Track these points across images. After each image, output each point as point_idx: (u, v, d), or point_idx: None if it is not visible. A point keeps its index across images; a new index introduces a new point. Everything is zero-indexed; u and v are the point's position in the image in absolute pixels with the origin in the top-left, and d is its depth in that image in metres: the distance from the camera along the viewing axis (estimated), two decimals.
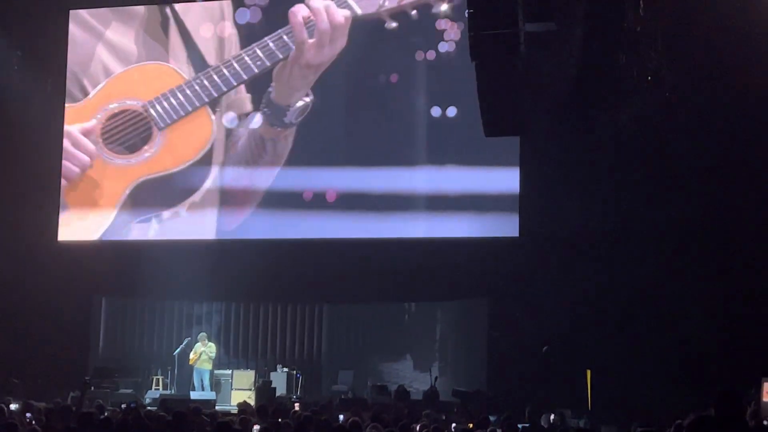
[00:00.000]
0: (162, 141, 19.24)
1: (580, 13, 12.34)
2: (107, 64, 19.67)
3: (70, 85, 19.68)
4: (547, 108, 15.15)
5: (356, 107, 18.68)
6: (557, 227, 16.58)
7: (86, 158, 19.39)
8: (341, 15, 18.26)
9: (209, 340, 18.75)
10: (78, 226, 19.49)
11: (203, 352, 18.45)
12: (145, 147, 19.25)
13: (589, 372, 15.36)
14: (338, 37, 18.33)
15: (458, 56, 17.14)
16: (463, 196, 17.69)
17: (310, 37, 18.36)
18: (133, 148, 19.32)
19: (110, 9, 19.81)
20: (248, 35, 19.05)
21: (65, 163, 19.42)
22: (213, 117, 19.16)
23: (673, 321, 15.17)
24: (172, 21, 19.55)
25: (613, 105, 13.98)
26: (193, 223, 19.06)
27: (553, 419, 13.36)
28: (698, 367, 14.52)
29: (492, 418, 12.10)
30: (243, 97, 19.04)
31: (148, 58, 19.58)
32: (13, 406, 12.26)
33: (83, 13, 19.75)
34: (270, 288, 19.20)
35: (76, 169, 19.42)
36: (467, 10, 11.37)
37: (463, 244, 17.93)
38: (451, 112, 17.93)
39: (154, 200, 19.25)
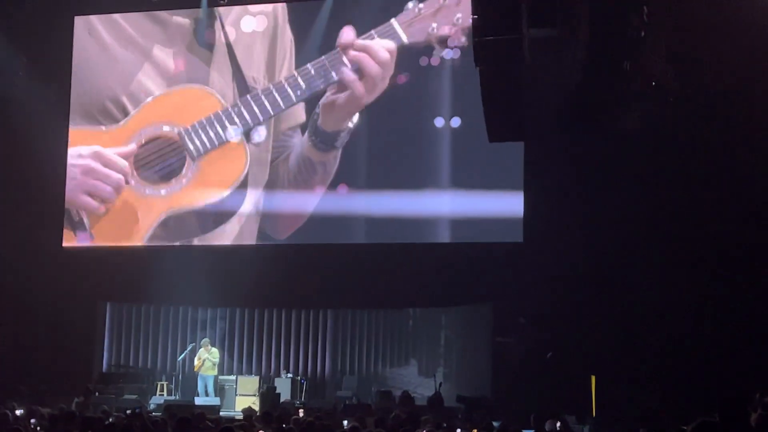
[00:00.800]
0: (195, 172, 18.92)
1: (583, 18, 12.33)
2: (147, 84, 19.38)
3: (109, 105, 19.37)
4: (551, 114, 15.15)
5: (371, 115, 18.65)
6: (561, 232, 16.57)
7: (120, 177, 19.13)
8: (386, 51, 17.83)
9: (213, 346, 18.76)
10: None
11: (206, 358, 18.47)
12: (177, 177, 18.94)
13: (593, 378, 15.35)
14: (387, 74, 17.95)
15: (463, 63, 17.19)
16: (467, 202, 17.70)
17: (358, 74, 18.05)
18: (165, 177, 19.01)
19: (152, 22, 19.45)
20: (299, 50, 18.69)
21: (96, 183, 19.17)
22: (247, 147, 18.81)
23: (678, 326, 15.15)
24: (218, 34, 19.18)
25: (617, 111, 13.94)
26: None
27: (559, 426, 13.35)
28: (704, 373, 14.49)
29: (496, 424, 12.10)
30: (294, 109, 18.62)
31: (188, 78, 19.24)
32: (18, 412, 12.27)
33: (128, 29, 19.46)
34: (274, 294, 19.21)
35: (109, 188, 19.13)
36: (471, 16, 11.38)
37: (467, 249, 17.93)
38: (455, 122, 17.91)
39: (182, 231, 19.08)
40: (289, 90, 18.45)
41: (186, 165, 18.97)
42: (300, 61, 18.61)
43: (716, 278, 15.01)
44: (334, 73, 18.19)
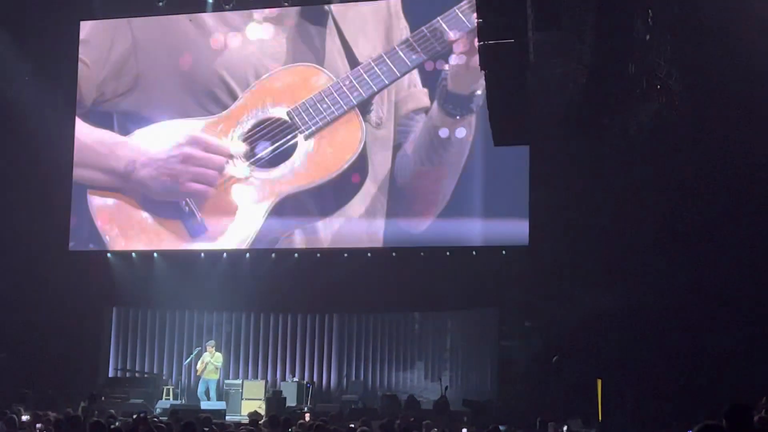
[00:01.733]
0: (308, 150, 18.27)
1: (589, 22, 12.34)
2: (257, 66, 18.82)
3: (219, 92, 18.87)
4: (557, 117, 15.16)
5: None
6: (567, 236, 16.56)
7: (222, 159, 18.63)
8: None
9: (217, 351, 18.71)
10: (216, 234, 18.84)
11: (209, 362, 18.40)
12: (291, 159, 18.30)
13: (599, 381, 15.32)
14: None
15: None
16: (473, 206, 17.69)
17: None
18: (277, 159, 18.42)
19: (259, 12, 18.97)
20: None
21: (198, 170, 18.75)
22: (361, 119, 18.08)
23: (685, 330, 15.12)
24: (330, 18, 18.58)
25: (623, 114, 13.96)
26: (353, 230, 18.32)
27: (565, 430, 13.35)
28: (710, 377, 14.46)
29: (502, 428, 12.08)
30: (416, 91, 17.86)
31: (296, 59, 18.62)
32: (24, 417, 12.27)
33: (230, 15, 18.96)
34: (280, 298, 19.21)
35: (213, 172, 18.64)
36: (476, 20, 11.39)
37: (473, 253, 17.93)
38: (460, 133, 17.86)
39: (301, 211, 18.44)
40: (402, 55, 17.62)
41: (299, 144, 18.30)
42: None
43: (724, 281, 14.97)
44: (451, 33, 17.34)
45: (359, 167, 18.17)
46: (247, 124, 18.77)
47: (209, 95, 19.03)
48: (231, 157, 18.77)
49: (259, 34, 19.01)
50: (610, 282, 16.04)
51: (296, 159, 18.40)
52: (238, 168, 18.75)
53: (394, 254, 18.42)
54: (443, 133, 17.79)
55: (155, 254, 19.34)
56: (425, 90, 17.92)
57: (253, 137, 18.73)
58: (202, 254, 19.17)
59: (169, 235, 19.05)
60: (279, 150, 18.50)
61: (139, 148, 19.37)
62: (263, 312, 19.93)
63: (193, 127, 19.08)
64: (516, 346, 17.65)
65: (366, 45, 18.32)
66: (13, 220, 19.16)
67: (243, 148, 18.75)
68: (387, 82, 17.93)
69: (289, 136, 18.47)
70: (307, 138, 18.39)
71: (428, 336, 19.52)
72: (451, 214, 17.78)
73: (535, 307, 17.32)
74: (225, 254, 19.13)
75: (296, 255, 18.95)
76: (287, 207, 18.50)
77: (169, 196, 19.09)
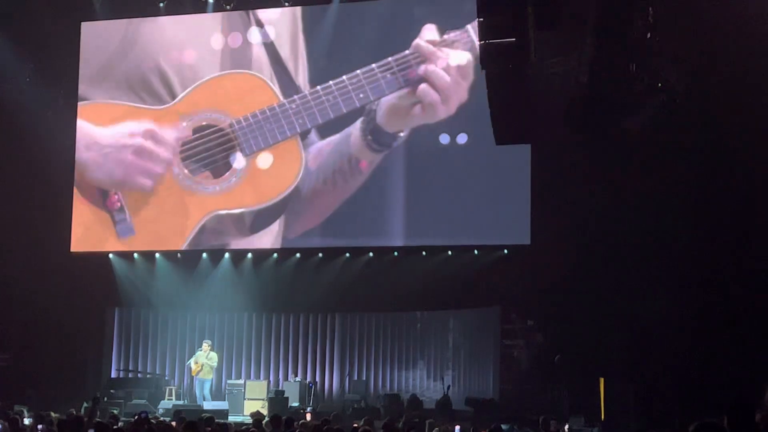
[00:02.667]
0: (246, 170, 18.33)
1: (589, 21, 12.33)
2: (198, 67, 18.89)
3: (158, 86, 18.86)
4: (558, 116, 15.14)
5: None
6: (568, 235, 16.55)
7: (170, 158, 18.58)
8: (457, 64, 17.33)
9: (213, 351, 18.59)
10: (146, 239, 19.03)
11: (205, 363, 18.34)
12: (227, 174, 18.36)
13: (602, 380, 15.32)
14: (463, 82, 17.36)
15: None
16: (474, 205, 17.69)
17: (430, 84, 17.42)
18: (213, 172, 18.48)
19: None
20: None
21: (145, 164, 18.67)
22: (302, 151, 18.21)
23: (687, 328, 15.11)
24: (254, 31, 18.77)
25: (624, 112, 13.93)
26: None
27: (567, 429, 13.35)
28: (712, 375, 14.45)
29: (505, 427, 12.08)
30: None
31: (239, 63, 18.71)
32: (26, 419, 12.30)
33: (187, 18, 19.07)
34: (282, 298, 19.23)
35: (159, 170, 18.64)
36: (477, 19, 11.38)
37: (474, 252, 17.94)
38: (462, 139, 17.89)
39: (227, 233, 18.64)
40: (352, 93, 17.76)
41: (236, 159, 18.41)
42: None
43: (726, 279, 14.96)
44: (402, 78, 17.64)
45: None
46: (188, 127, 18.72)
47: (145, 85, 18.98)
48: (176, 157, 18.72)
49: (235, 39, 18.96)
50: (612, 280, 16.04)
51: (231, 176, 18.43)
52: (176, 171, 18.71)
53: (395, 254, 18.44)
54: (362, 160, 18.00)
55: (157, 255, 19.35)
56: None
57: (192, 144, 18.69)
58: (204, 254, 19.19)
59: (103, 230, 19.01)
60: (216, 163, 18.50)
61: (81, 128, 19.35)
62: (265, 312, 19.94)
63: (140, 115, 18.91)
64: (518, 345, 17.66)
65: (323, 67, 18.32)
66: (14, 221, 19.16)
67: (180, 152, 18.72)
68: (332, 116, 18.02)
69: (228, 151, 18.46)
70: (245, 156, 18.40)
71: (430, 335, 19.54)
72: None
73: (537, 306, 17.33)
74: (227, 254, 19.15)
75: (298, 255, 18.97)
76: (212, 226, 18.59)
77: (108, 184, 19.04)
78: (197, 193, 18.65)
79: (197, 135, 18.69)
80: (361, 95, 17.84)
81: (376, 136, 17.86)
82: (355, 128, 17.95)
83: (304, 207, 18.33)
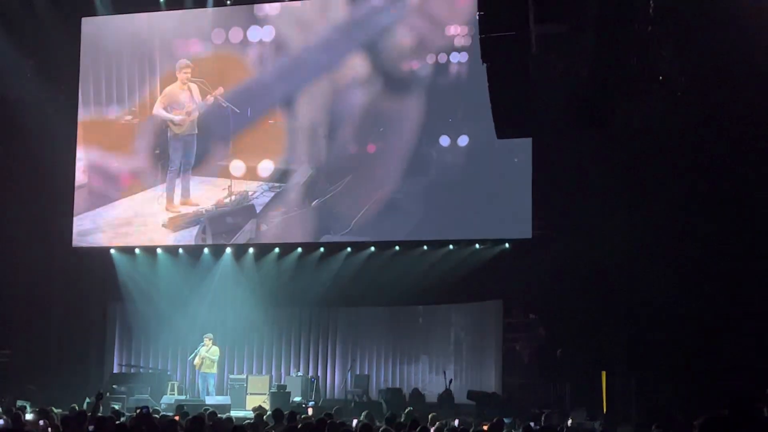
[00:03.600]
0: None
1: (590, 14, 12.30)
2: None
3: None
4: (559, 110, 15.12)
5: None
6: (570, 229, 16.55)
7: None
8: None
9: (214, 344, 18.60)
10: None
11: (206, 357, 18.33)
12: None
13: (604, 374, 15.33)
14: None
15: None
16: (475, 199, 17.70)
17: None
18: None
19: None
20: None
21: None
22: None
23: (689, 322, 15.10)
24: None
25: (625, 106, 13.92)
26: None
27: (570, 422, 13.35)
28: (715, 369, 14.44)
29: (507, 420, 12.10)
30: None
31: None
32: (29, 415, 12.31)
33: None
34: (284, 293, 19.23)
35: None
36: (477, 13, 11.37)
37: (476, 246, 17.94)
38: (463, 141, 17.90)
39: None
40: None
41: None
42: None
43: (727, 273, 14.95)
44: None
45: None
46: None
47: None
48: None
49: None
50: (614, 274, 16.03)
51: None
52: None
53: (397, 248, 18.44)
54: None
55: (158, 250, 19.36)
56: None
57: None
58: (206, 250, 19.20)
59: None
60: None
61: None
62: (267, 307, 19.93)
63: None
64: (520, 339, 17.67)
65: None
66: (16, 217, 19.18)
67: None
68: None
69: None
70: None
71: (432, 329, 19.55)
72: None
73: (539, 300, 17.33)
74: (229, 249, 19.16)
75: (299, 249, 18.97)
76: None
77: None
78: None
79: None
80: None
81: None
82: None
83: None
